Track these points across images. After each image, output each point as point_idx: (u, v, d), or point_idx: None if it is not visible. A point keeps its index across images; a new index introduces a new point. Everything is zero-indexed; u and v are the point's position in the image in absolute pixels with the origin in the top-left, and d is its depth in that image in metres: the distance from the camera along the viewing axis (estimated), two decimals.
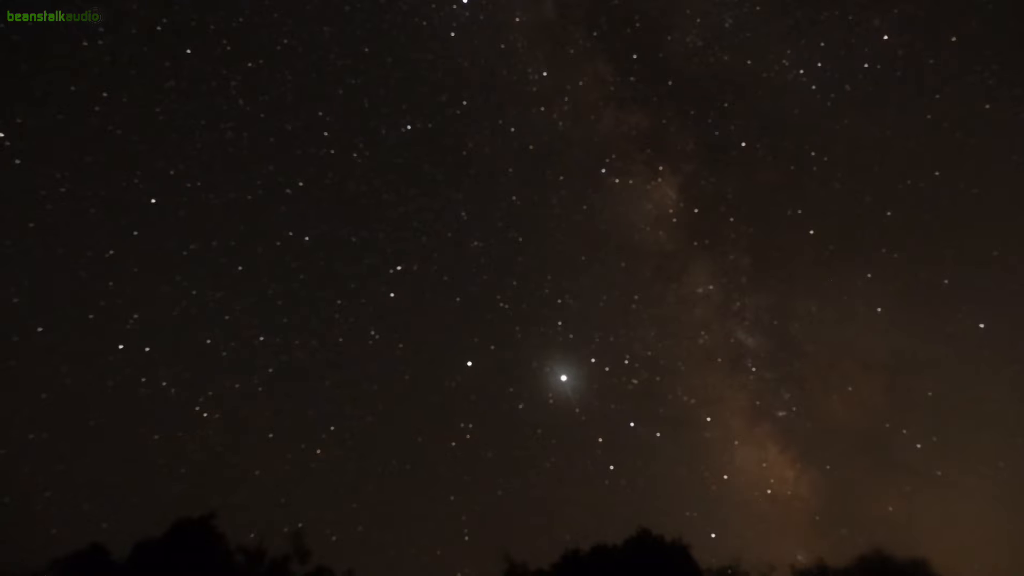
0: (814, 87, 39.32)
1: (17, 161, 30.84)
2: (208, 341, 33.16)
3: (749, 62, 40.44)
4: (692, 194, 41.39)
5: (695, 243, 40.97)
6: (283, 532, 26.45)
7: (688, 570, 26.62)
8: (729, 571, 28.00)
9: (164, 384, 31.52)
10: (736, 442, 37.25)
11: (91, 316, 31.32)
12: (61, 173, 31.76)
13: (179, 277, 33.40)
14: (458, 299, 38.41)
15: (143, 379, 31.26)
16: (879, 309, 37.33)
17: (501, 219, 39.76)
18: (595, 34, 41.42)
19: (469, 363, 36.91)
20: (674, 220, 41.11)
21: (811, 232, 39.08)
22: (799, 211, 39.30)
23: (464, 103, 39.82)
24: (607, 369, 37.96)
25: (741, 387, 38.40)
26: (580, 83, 41.26)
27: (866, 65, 38.86)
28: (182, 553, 23.57)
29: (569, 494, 35.35)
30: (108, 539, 24.67)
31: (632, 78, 41.59)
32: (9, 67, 31.12)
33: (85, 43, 32.31)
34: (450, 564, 31.12)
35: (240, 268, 34.90)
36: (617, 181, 41.16)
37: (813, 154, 39.61)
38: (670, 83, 41.33)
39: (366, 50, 38.63)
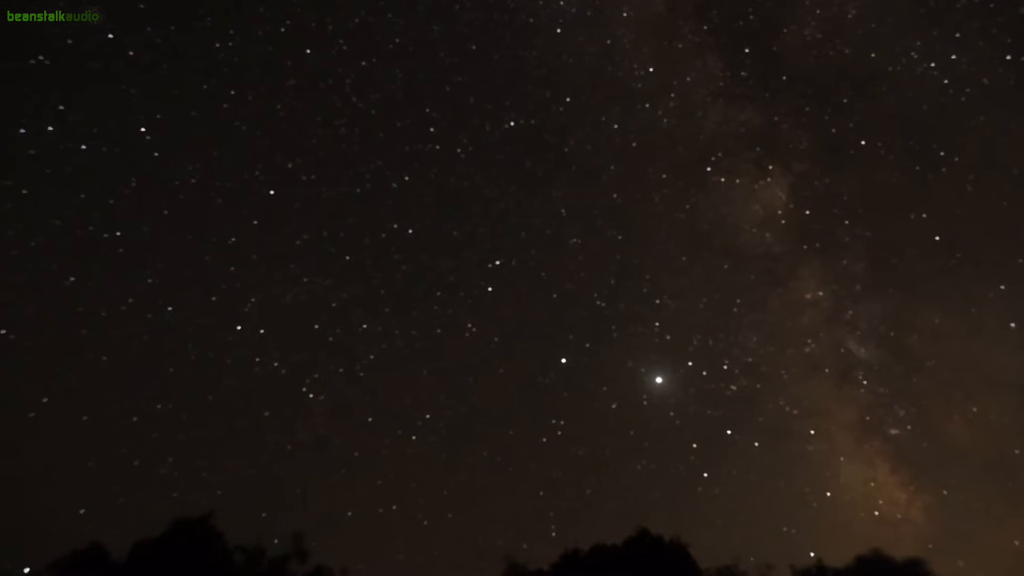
0: (946, 81, 36.72)
1: (156, 154, 33.74)
2: (316, 326, 35.04)
3: (873, 55, 38.24)
4: (804, 195, 39.59)
5: (805, 246, 39.14)
6: (284, 532, 26.42)
7: (687, 570, 26.10)
8: (728, 570, 27.30)
9: (275, 364, 33.57)
10: (842, 458, 35.38)
11: (214, 298, 33.83)
12: (192, 165, 34.46)
13: (292, 265, 35.46)
14: (555, 295, 38.57)
15: (257, 359, 33.43)
16: (1012, 324, 34.23)
17: (601, 217, 39.56)
18: (705, 28, 40.35)
19: (563, 360, 37.01)
20: (783, 222, 39.44)
21: (936, 238, 36.55)
22: (923, 215, 36.81)
23: (568, 100, 39.89)
24: (705, 373, 37.01)
25: (850, 400, 36.42)
26: (687, 79, 40.30)
27: (1008, 57, 35.67)
28: (181, 553, 23.49)
29: (660, 498, 34.75)
30: (107, 539, 24.54)
31: (743, 73, 40.23)
32: (152, 68, 34.05)
33: (217, 44, 34.82)
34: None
35: (347, 258, 36.66)
36: (723, 180, 39.96)
37: (942, 154, 37.01)
38: (784, 78, 39.68)
39: (473, 48, 39.45)
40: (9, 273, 30.35)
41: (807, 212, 39.48)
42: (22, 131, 31.03)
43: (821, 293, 38.30)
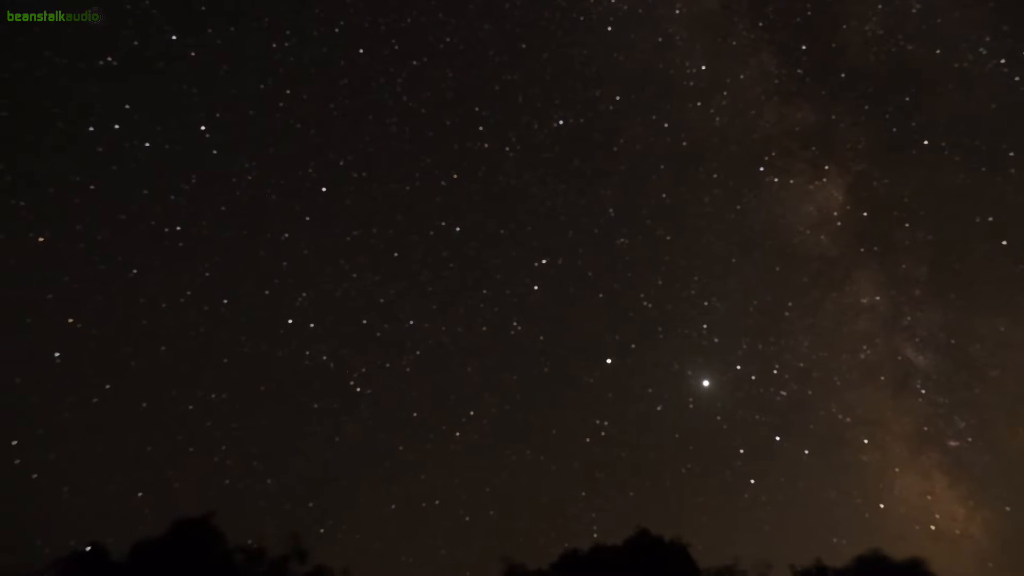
0: (1017, 79, 34.97)
1: (214, 152, 34.87)
2: (364, 321, 35.66)
3: (938, 51, 36.71)
4: (862, 196, 38.27)
5: (862, 249, 37.87)
6: (283, 532, 26.23)
7: (687, 570, 25.85)
8: (728, 571, 27.04)
9: (324, 358, 34.31)
10: (897, 469, 34.20)
11: (267, 292, 34.77)
12: (249, 163, 35.48)
13: (342, 261, 36.16)
14: (601, 295, 38.29)
15: (307, 352, 34.24)
16: None
17: (649, 216, 39.06)
18: (760, 25, 39.35)
19: (608, 360, 36.75)
20: (839, 224, 38.22)
21: (1003, 243, 34.89)
22: (989, 218, 35.27)
23: (617, 98, 39.50)
24: (753, 378, 36.21)
25: (907, 410, 35.17)
26: (741, 76, 39.36)
27: None
28: (182, 553, 23.46)
29: (704, 503, 34.25)
30: (108, 539, 24.49)
31: (799, 71, 39.10)
32: (212, 68, 35.17)
33: (274, 45, 35.75)
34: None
35: (396, 255, 37.14)
36: (776, 180, 38.94)
37: (1011, 154, 35.30)
38: (842, 76, 38.37)
39: (523, 46, 39.44)
40: (78, 265, 31.89)
41: (865, 214, 38.24)
42: (91, 129, 32.54)
43: (878, 298, 37.04)
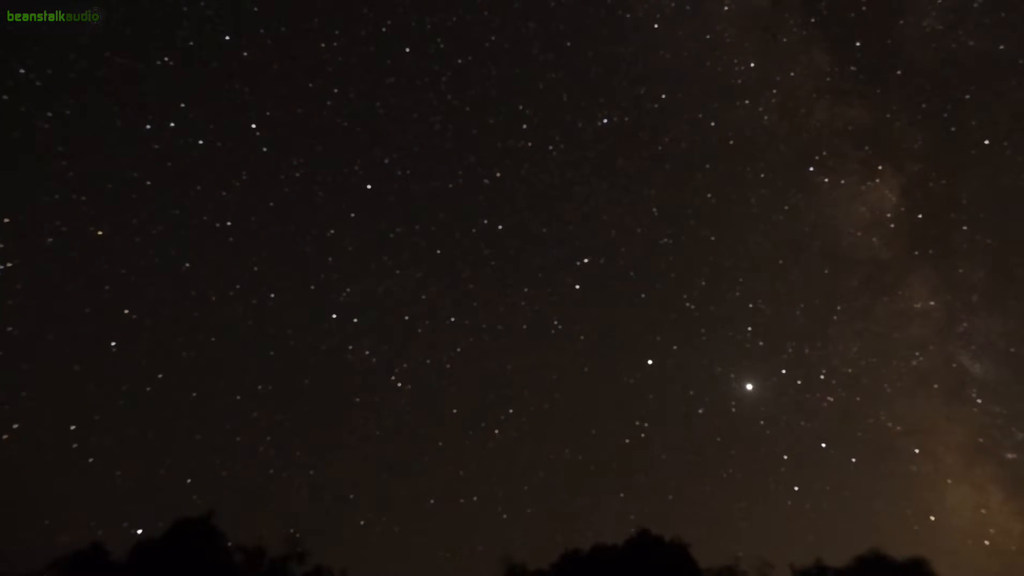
0: None
1: (264, 149, 35.77)
2: (406, 317, 36.12)
3: (1001, 47, 35.42)
4: (917, 197, 37.16)
5: (916, 252, 36.74)
6: (283, 532, 26.32)
7: (688, 570, 25.63)
8: (728, 571, 26.87)
9: (367, 353, 34.88)
10: (949, 481, 33.09)
11: (312, 287, 35.52)
12: (297, 160, 36.28)
13: (385, 257, 36.68)
14: (643, 295, 38.06)
15: (350, 346, 34.87)
16: None
17: (694, 216, 38.66)
18: (813, 20, 38.47)
19: (650, 361, 36.48)
20: (892, 226, 37.15)
21: None
22: None
23: (663, 96, 39.19)
24: (799, 383, 35.49)
25: (961, 420, 34.01)
26: (791, 74, 38.64)
27: None
28: (182, 553, 23.43)
29: (746, 508, 33.62)
30: (108, 539, 24.70)
31: (853, 68, 38.17)
32: (264, 68, 36.08)
33: (323, 45, 36.45)
34: None
35: (438, 252, 37.50)
36: (826, 181, 38.09)
37: None
38: (899, 73, 37.31)
39: (568, 44, 39.35)
40: (134, 258, 33.10)
41: (920, 216, 37.06)
42: (148, 127, 33.75)
43: (933, 303, 35.86)
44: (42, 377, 30.15)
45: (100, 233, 32.18)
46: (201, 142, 34.49)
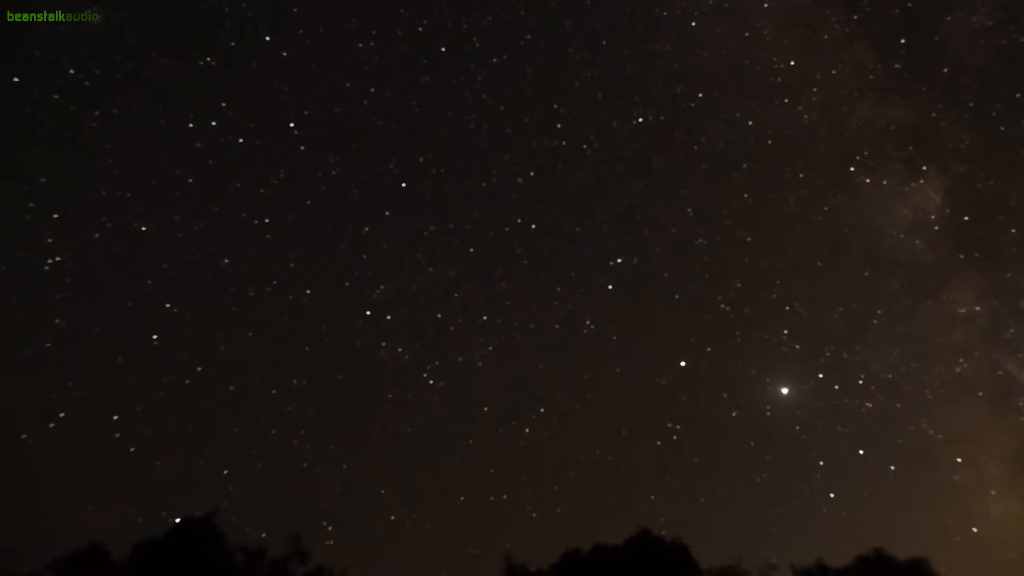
0: None
1: (302, 147, 36.38)
2: (439, 315, 36.35)
3: None
4: (963, 198, 35.97)
5: (961, 256, 35.54)
6: (285, 532, 26.19)
7: (689, 570, 25.49)
8: (729, 571, 26.70)
9: (399, 350, 35.19)
10: (993, 492, 32.00)
11: (347, 284, 35.98)
12: (333, 158, 36.80)
13: (419, 255, 36.98)
14: (677, 296, 37.64)
15: (383, 343, 35.23)
16: None
17: (730, 217, 38.05)
18: (856, 17, 37.53)
19: (683, 363, 36.02)
20: (936, 228, 36.02)
21: None
22: None
23: (700, 95, 38.69)
24: (836, 387, 34.68)
25: (1007, 429, 32.90)
26: (832, 72, 37.67)
27: None
28: (182, 553, 23.40)
29: (780, 514, 33.05)
30: (108, 539, 24.61)
31: (897, 65, 37.07)
32: (302, 68, 36.67)
33: (360, 44, 36.90)
34: None
35: (472, 250, 37.65)
36: (868, 181, 37.09)
37: None
38: (945, 70, 36.14)
39: (604, 43, 39.15)
40: (175, 253, 33.97)
41: (966, 218, 35.89)
42: (190, 125, 34.59)
43: (978, 308, 34.68)
44: (87, 369, 31.18)
45: (144, 229, 33.10)
46: (241, 141, 35.23)
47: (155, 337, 32.31)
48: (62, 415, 29.50)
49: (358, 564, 27.12)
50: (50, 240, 30.98)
